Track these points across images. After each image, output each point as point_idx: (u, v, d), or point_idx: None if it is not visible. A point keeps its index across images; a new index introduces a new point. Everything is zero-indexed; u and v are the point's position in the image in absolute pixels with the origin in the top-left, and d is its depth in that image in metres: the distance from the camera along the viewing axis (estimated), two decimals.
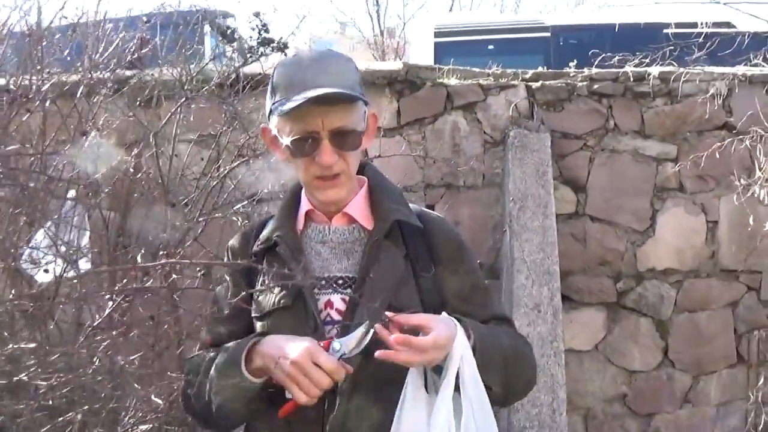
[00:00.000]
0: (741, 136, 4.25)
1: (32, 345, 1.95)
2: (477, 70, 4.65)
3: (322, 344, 1.51)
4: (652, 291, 4.50)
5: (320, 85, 1.53)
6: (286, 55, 3.01)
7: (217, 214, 2.93)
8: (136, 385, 1.84)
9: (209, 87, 3.10)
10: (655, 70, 4.45)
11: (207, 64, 2.94)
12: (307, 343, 1.50)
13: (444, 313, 1.55)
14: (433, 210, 4.45)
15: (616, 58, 4.43)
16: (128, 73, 2.89)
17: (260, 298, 1.66)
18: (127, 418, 2.11)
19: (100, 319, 2.14)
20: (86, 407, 1.84)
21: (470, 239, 4.48)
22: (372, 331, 1.47)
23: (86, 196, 2.84)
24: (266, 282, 1.65)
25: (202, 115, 3.39)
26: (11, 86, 2.06)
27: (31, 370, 1.81)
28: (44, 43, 2.23)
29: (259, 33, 2.91)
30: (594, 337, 4.52)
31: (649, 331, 4.51)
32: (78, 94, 2.28)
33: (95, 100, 2.49)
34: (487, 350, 1.55)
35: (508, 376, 1.60)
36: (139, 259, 2.32)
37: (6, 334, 2.08)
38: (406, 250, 1.66)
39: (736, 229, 4.50)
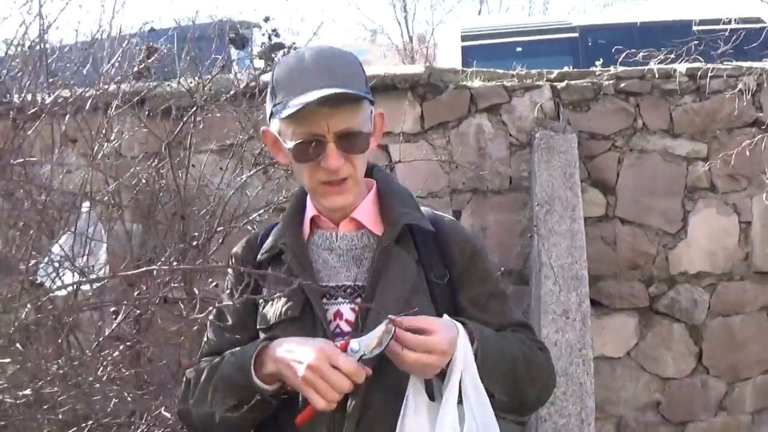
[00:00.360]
0: None
1: (56, 364, 1.94)
2: (501, 71, 4.59)
3: (338, 345, 1.43)
4: (685, 295, 4.39)
5: (324, 84, 1.44)
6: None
7: (233, 225, 2.90)
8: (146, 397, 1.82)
9: (227, 96, 3.09)
10: (681, 67, 4.35)
11: (217, 74, 2.92)
12: (323, 345, 1.42)
13: (445, 316, 1.48)
14: (460, 216, 4.46)
15: (641, 54, 4.33)
16: (141, 84, 2.89)
17: (266, 308, 1.59)
18: None
19: (109, 331, 2.13)
20: (98, 419, 1.82)
21: (498, 244, 4.45)
22: (393, 329, 1.39)
23: (107, 209, 2.85)
24: (271, 291, 1.59)
25: (222, 125, 3.39)
26: (21, 99, 2.06)
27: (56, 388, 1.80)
28: (54, 57, 2.23)
29: (269, 38, 2.88)
30: (626, 343, 4.43)
31: (683, 336, 4.40)
32: (86, 106, 2.28)
33: (109, 112, 2.49)
34: (489, 356, 1.47)
35: (515, 384, 1.53)
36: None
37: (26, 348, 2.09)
38: (418, 255, 1.58)
39: None
